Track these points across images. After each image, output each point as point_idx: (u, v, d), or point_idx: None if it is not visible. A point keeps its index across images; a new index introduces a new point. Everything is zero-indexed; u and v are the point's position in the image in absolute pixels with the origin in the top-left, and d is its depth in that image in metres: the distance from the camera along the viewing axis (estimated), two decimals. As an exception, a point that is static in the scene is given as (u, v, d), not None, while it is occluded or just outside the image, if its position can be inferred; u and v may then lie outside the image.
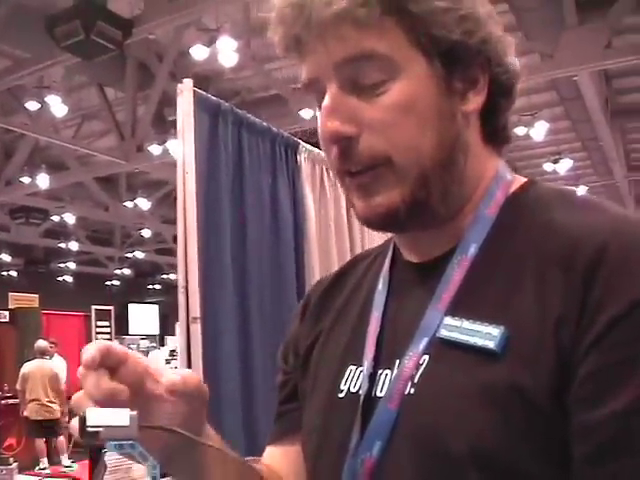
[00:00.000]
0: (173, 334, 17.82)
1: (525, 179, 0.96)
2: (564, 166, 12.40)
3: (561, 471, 0.75)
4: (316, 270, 3.68)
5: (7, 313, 13.59)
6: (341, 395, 0.95)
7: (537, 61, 8.33)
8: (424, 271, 0.94)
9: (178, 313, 2.97)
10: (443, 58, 0.86)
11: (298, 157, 3.75)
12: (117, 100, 11.07)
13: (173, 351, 16.68)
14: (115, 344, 0.85)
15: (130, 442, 0.68)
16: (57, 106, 10.20)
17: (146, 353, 17.50)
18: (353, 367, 0.96)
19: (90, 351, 0.81)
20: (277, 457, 1.10)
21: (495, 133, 0.95)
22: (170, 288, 23.68)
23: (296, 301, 3.54)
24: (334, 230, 3.95)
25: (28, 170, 12.85)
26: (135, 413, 0.69)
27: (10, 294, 17.03)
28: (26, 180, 12.90)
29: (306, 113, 9.16)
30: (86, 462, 8.35)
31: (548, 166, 12.35)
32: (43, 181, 12.67)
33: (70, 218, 16.41)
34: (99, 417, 0.69)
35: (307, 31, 0.86)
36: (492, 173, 0.94)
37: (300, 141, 3.79)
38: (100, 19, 7.04)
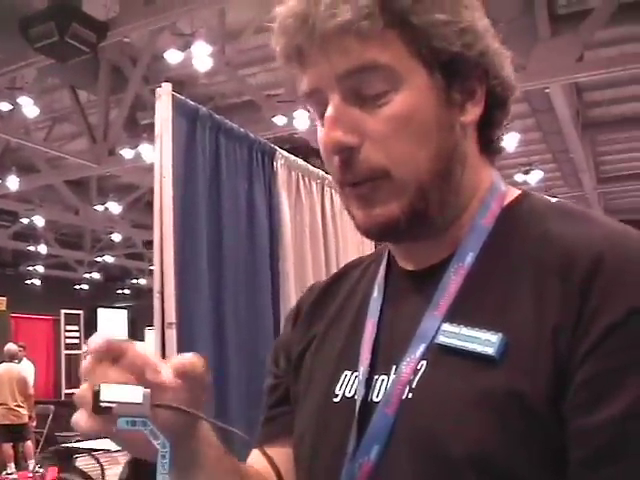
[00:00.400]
0: (142, 339, 17.71)
1: (519, 191, 0.98)
2: (535, 177, 12.49)
3: (557, 477, 0.77)
4: (291, 276, 3.70)
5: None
6: (336, 400, 0.96)
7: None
8: (420, 279, 0.95)
9: (147, 318, 2.96)
10: (443, 70, 0.88)
11: (275, 163, 3.76)
12: (89, 103, 10.98)
13: (142, 356, 16.52)
14: (114, 335, 0.84)
15: (142, 419, 0.68)
16: (29, 108, 10.09)
17: (115, 358, 17.40)
18: (348, 372, 0.97)
19: (97, 341, 0.81)
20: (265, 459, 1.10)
21: (490, 144, 0.98)
22: (139, 293, 23.56)
23: (270, 307, 3.55)
24: (309, 237, 3.97)
25: (-2, 172, 12.71)
26: (148, 391, 0.70)
27: (-23, 297, 16.85)
28: (-5, 182, 12.76)
29: (279, 120, 9.16)
30: (54, 468, 8.29)
31: (519, 177, 12.44)
32: (13, 183, 12.53)
33: (40, 221, 16.24)
34: (113, 393, 0.69)
35: (310, 42, 0.87)
36: (487, 184, 0.96)
37: (277, 148, 3.80)
38: (75, 21, 6.98)
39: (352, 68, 0.86)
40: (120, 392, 0.70)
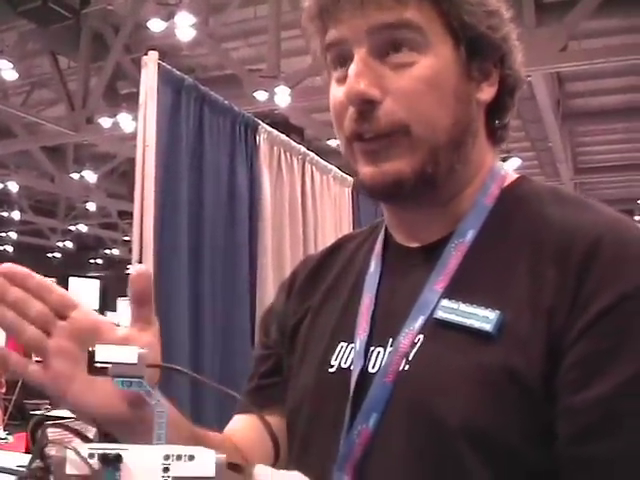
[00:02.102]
0: (114, 310, 17.63)
1: (517, 175, 1.01)
2: (512, 165, 12.54)
3: (547, 450, 0.79)
4: (269, 249, 3.71)
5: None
6: (332, 370, 0.98)
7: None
8: (420, 255, 0.97)
9: (119, 289, 2.96)
10: (468, 45, 0.91)
11: (257, 137, 3.76)
12: (69, 70, 10.87)
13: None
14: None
15: (137, 380, 0.69)
16: (7, 71, 9.95)
17: (85, 327, 17.30)
18: (344, 344, 0.99)
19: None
20: (249, 428, 1.09)
21: (497, 130, 1.00)
22: (112, 263, 23.45)
23: (248, 279, 3.56)
24: (288, 212, 3.98)
25: (-27, 136, 12.57)
26: (143, 351, 0.70)
27: (-53, 261, 16.65)
28: (-29, 146, 12.62)
29: (260, 95, 9.11)
30: (22, 434, 8.25)
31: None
32: (-12, 147, 12.42)
33: (14, 187, 16.09)
34: (108, 353, 0.69)
35: None
36: (489, 166, 0.99)
37: (260, 122, 3.79)
38: (59, -14, 6.92)
39: (387, 22, 0.88)
40: (115, 352, 0.69)
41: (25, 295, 0.86)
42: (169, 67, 3.20)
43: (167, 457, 0.60)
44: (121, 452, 0.60)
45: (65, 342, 0.85)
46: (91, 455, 0.59)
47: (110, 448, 0.60)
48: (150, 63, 3.05)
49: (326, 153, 4.99)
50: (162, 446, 0.63)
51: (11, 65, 9.86)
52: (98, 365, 0.69)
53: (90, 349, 0.70)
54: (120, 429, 0.85)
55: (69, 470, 0.59)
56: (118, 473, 0.59)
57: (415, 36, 0.88)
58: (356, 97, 0.89)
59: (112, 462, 0.59)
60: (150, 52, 3.09)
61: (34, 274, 0.87)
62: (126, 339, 0.85)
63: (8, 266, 0.86)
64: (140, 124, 3.06)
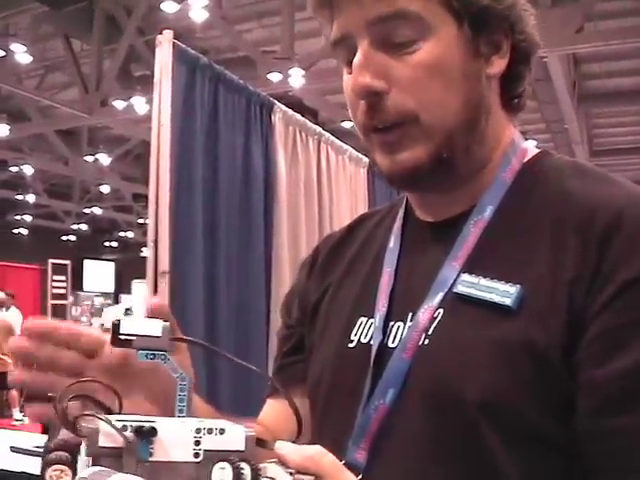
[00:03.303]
0: (128, 292, 17.71)
1: (538, 149, 0.99)
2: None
3: (565, 426, 0.79)
4: (284, 229, 3.71)
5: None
6: (351, 345, 0.98)
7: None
8: (439, 230, 0.96)
9: (134, 271, 2.97)
10: (471, 21, 0.89)
11: (272, 117, 3.75)
12: (83, 52, 10.89)
13: (128, 309, 16.60)
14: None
15: (161, 353, 0.68)
16: (21, 55, 9.99)
17: (100, 310, 17.46)
18: (364, 319, 0.98)
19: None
20: (278, 409, 1.10)
21: (513, 100, 0.98)
22: (127, 246, 23.54)
23: (263, 259, 3.56)
24: (304, 192, 3.98)
25: (-12, 120, 12.61)
26: (168, 324, 0.70)
27: (-37, 244, 16.80)
28: (-14, 129, 12.67)
29: (274, 77, 9.10)
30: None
31: (512, 145, 12.44)
32: (3, 131, 12.44)
33: (29, 170, 16.16)
34: (133, 326, 0.69)
35: None
36: (509, 139, 0.97)
37: (275, 101, 3.78)
38: (72, -33, 6.91)
39: (383, 15, 0.87)
40: (140, 325, 0.69)
41: (55, 349, 0.85)
42: (183, 46, 3.19)
43: (198, 430, 0.61)
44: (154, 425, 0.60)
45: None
46: (124, 427, 0.59)
47: (141, 420, 0.60)
48: (165, 42, 3.04)
49: (340, 135, 4.96)
50: (193, 419, 0.62)
51: (24, 48, 9.88)
52: (122, 337, 0.69)
53: (114, 321, 0.69)
54: None
55: (102, 442, 0.59)
56: (152, 446, 0.59)
57: (414, 23, 0.87)
58: (362, 90, 0.88)
59: (146, 434, 0.59)
60: (165, 31, 3.08)
61: (59, 323, 0.87)
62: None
63: (35, 324, 0.86)
64: (155, 103, 3.05)
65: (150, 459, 0.59)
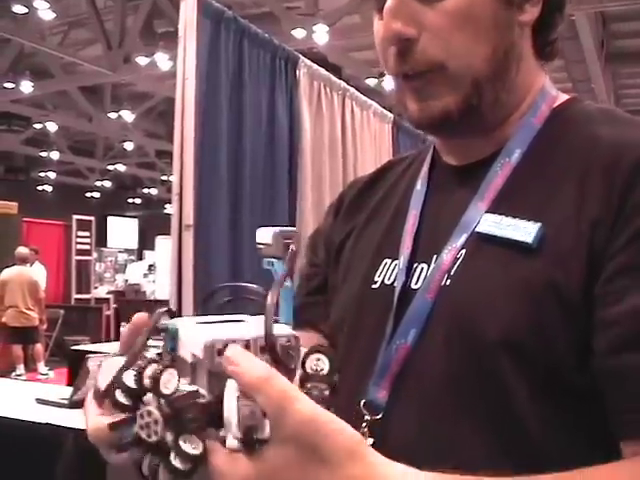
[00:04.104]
0: (152, 249, 17.81)
1: (568, 96, 0.98)
2: (553, 106, 12.38)
3: (583, 365, 0.79)
4: (308, 184, 3.71)
5: (-14, 219, 13.47)
6: (375, 286, 0.98)
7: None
8: (466, 173, 0.96)
9: (157, 228, 2.98)
10: None
11: (297, 72, 3.74)
12: (106, 9, 10.84)
13: (151, 265, 16.72)
14: None
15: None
16: (44, 11, 9.97)
17: (124, 266, 17.61)
18: (388, 260, 0.98)
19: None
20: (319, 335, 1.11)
21: (545, 47, 0.97)
22: (150, 203, 23.63)
23: (287, 213, 3.56)
24: (328, 147, 3.97)
25: (12, 76, 12.60)
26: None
27: (-12, 201, 16.93)
28: (9, 86, 12.67)
29: (298, 33, 9.03)
30: (62, 370, 8.44)
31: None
32: (26, 88, 12.46)
33: (53, 127, 16.21)
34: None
35: None
36: (539, 86, 0.96)
37: (300, 56, 3.76)
38: None
39: None
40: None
41: None
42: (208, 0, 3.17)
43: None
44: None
45: None
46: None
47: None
48: (189, -5, 3.02)
49: (364, 92, 4.93)
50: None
51: (48, 5, 9.86)
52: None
53: None
54: None
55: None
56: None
57: None
58: (393, 37, 0.88)
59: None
60: (190, -16, 3.06)
61: None
62: None
63: None
64: (179, 57, 3.05)
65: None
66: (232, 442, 0.59)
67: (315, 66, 3.84)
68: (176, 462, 0.58)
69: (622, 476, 0.73)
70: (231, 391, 0.59)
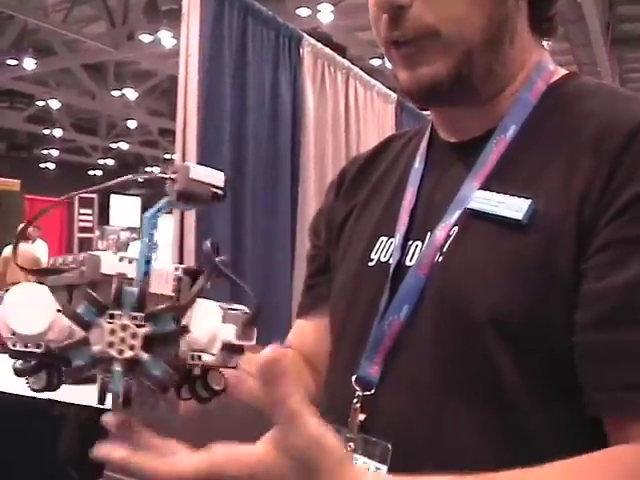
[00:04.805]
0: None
1: (567, 71, 0.98)
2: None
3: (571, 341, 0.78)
4: (311, 163, 3.71)
5: (-11, 195, 13.50)
6: (371, 264, 0.99)
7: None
8: (462, 150, 0.96)
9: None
10: None
11: (301, 50, 3.73)
12: (110, -15, 10.80)
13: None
14: None
15: None
16: (48, -13, 9.92)
17: (126, 244, 17.61)
18: (384, 238, 0.99)
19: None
20: (306, 329, 1.15)
21: (542, 23, 0.97)
22: (153, 181, 23.61)
23: (289, 193, 3.56)
24: (331, 126, 3.96)
25: (15, 53, 12.56)
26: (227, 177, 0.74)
27: (-10, 178, 16.93)
28: (12, 63, 12.63)
29: (303, 12, 8.98)
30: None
31: (542, 87, 12.27)
32: (29, 65, 12.42)
33: (55, 104, 16.17)
34: (201, 172, 0.71)
35: None
36: (535, 61, 0.96)
37: (304, 34, 3.74)
38: None
39: None
40: (207, 173, 0.71)
41: None
42: (212, -25, 3.15)
43: (177, 269, 0.68)
44: None
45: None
46: (121, 259, 0.65)
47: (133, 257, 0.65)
48: (193, -29, 3.00)
49: (369, 72, 4.91)
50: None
51: (51, -20, 9.80)
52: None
53: (184, 165, 0.71)
54: None
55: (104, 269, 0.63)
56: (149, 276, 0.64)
57: None
58: (385, 3, 0.87)
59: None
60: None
61: None
62: None
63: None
64: (183, 34, 3.03)
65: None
66: (207, 357, 0.63)
67: (319, 45, 3.83)
68: (162, 376, 0.60)
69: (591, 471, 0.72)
70: (212, 308, 0.65)
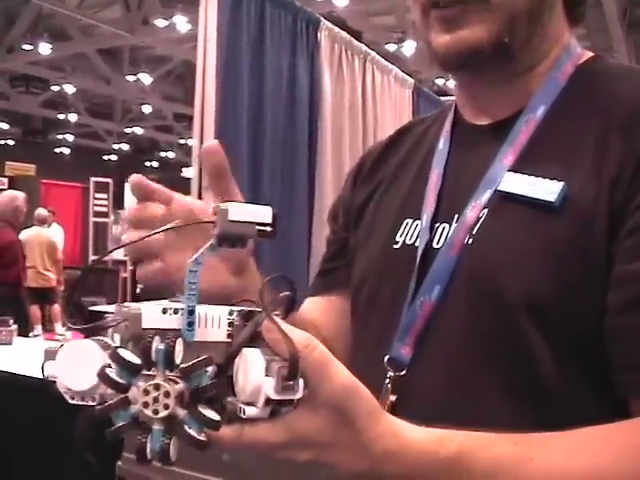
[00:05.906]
0: (169, 213, 17.75)
1: (592, 54, 0.98)
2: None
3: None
4: (328, 148, 3.71)
5: (6, 180, 13.56)
6: (396, 246, 0.98)
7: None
8: (489, 132, 0.95)
9: (174, 191, 2.97)
10: None
11: (318, 34, 3.72)
12: (125, -30, 10.79)
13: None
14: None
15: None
16: (64, -29, 9.92)
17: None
18: (409, 220, 0.99)
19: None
20: (320, 306, 1.13)
21: (574, 7, 0.97)
22: (167, 166, 23.60)
23: (307, 179, 3.56)
24: (348, 111, 3.96)
25: (30, 38, 12.58)
26: (276, 211, 0.67)
27: (7, 163, 16.98)
28: (28, 48, 12.65)
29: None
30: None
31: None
32: (45, 50, 12.44)
33: (70, 89, 16.19)
34: (242, 212, 0.65)
35: None
36: (565, 42, 0.96)
37: (321, 18, 3.73)
38: None
39: None
40: (249, 211, 0.65)
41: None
42: (229, -41, 3.15)
43: (231, 313, 0.62)
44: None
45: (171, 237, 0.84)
46: (164, 310, 0.60)
47: (178, 306, 0.61)
48: (211, -45, 3.00)
49: (384, 58, 4.90)
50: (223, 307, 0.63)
51: (67, -36, 9.80)
52: (232, 220, 0.65)
53: (222, 207, 0.64)
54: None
55: (145, 324, 0.60)
56: (194, 326, 0.60)
57: None
58: None
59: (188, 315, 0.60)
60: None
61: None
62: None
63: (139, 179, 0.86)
64: (201, 18, 3.03)
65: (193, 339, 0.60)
66: (252, 410, 0.59)
67: (336, 29, 3.82)
68: (193, 431, 0.57)
69: (614, 437, 0.73)
70: (255, 360, 0.58)
